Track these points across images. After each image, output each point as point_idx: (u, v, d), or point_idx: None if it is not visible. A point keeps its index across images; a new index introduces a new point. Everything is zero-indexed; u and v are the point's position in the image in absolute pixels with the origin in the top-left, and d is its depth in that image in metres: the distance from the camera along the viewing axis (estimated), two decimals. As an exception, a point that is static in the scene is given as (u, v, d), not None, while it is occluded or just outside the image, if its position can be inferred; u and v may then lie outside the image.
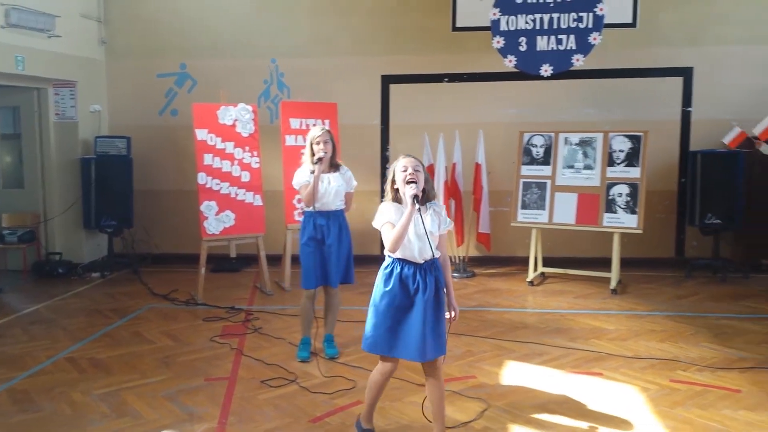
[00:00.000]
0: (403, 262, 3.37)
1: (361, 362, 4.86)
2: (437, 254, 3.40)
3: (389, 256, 3.42)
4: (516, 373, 4.63)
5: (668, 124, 7.62)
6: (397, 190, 3.38)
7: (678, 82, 7.60)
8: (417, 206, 3.24)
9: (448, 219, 3.49)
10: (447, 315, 3.47)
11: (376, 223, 3.42)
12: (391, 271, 3.39)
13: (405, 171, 3.33)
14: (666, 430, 3.83)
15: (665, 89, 7.62)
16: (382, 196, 8.04)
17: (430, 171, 7.43)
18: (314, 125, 6.90)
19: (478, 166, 7.48)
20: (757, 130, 6.76)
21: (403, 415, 4.04)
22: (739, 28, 7.51)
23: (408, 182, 3.29)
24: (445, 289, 3.45)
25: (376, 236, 8.11)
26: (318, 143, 4.71)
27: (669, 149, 7.64)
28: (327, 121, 7.01)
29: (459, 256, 7.52)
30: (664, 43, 7.58)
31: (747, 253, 7.39)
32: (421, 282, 3.35)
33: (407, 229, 3.26)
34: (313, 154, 4.72)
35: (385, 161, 8.02)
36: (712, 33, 7.55)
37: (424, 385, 4.42)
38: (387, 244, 3.33)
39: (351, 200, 4.98)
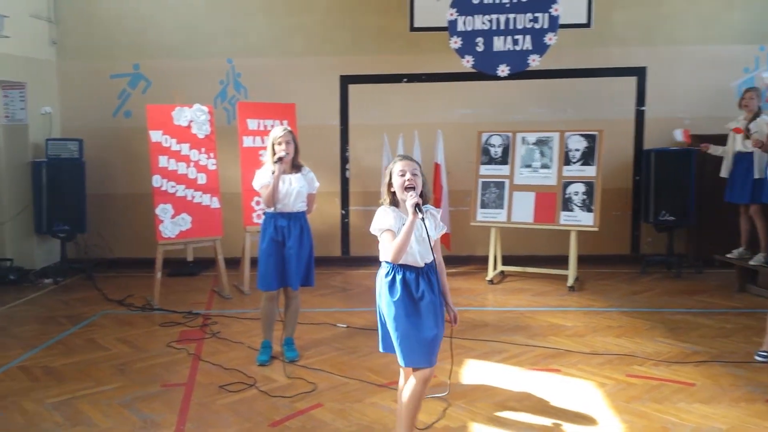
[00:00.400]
0: (404, 267, 3.24)
1: (321, 365, 4.83)
2: (433, 257, 3.31)
3: (388, 263, 3.28)
4: (476, 372, 4.65)
5: (622, 123, 7.76)
6: (394, 193, 3.25)
7: (632, 81, 7.75)
8: (420, 215, 3.10)
9: (442, 223, 3.40)
10: (447, 318, 3.37)
11: (375, 231, 3.27)
12: (393, 279, 3.24)
13: (403, 176, 3.19)
14: (623, 424, 3.89)
15: (619, 89, 7.76)
16: (344, 198, 8.05)
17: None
18: (272, 126, 6.83)
19: (437, 166, 7.50)
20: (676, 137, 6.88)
21: (364, 416, 4.02)
22: (691, 29, 7.69)
23: (406, 188, 3.17)
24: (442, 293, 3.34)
25: (337, 238, 8.10)
26: (280, 143, 4.66)
27: (623, 148, 7.78)
28: (285, 122, 6.95)
29: (419, 256, 7.53)
30: (618, 43, 7.71)
31: (700, 249, 7.56)
32: (426, 286, 3.25)
33: (409, 240, 3.13)
34: (274, 154, 4.67)
35: (345, 162, 8.00)
36: (664, 33, 7.71)
37: (385, 386, 4.43)
38: (389, 254, 3.18)
39: (313, 202, 4.94)
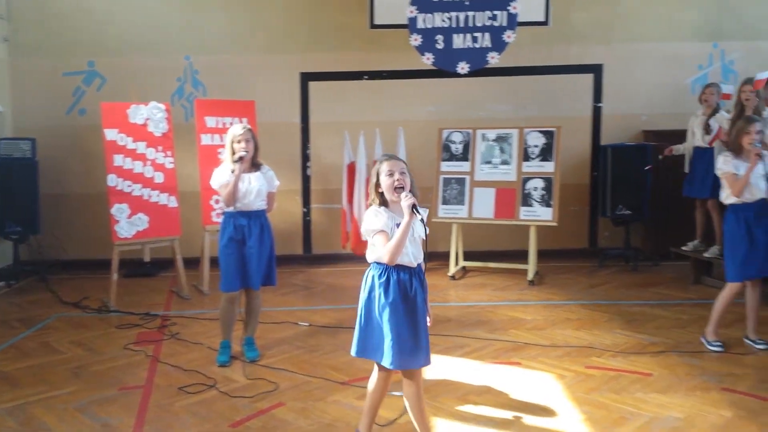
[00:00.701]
0: (398, 268, 3.20)
1: (283, 364, 4.79)
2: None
3: (379, 264, 3.24)
4: (438, 367, 4.66)
5: (580, 119, 7.87)
6: (382, 193, 3.21)
7: (589, 78, 7.86)
8: (419, 216, 3.07)
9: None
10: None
11: (367, 232, 3.22)
12: (388, 280, 3.20)
13: (391, 176, 3.16)
14: (582, 414, 3.94)
15: (577, 86, 7.87)
16: (305, 196, 7.99)
17: (351, 169, 7.41)
18: (231, 123, 6.76)
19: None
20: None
21: (326, 414, 3.99)
22: (647, 27, 7.83)
23: (396, 188, 3.14)
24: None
25: (299, 236, 8.05)
26: (239, 141, 4.60)
27: (581, 144, 7.89)
28: (245, 119, 6.87)
29: (381, 254, 7.53)
30: (576, 41, 7.82)
31: (656, 242, 7.70)
32: (418, 285, 3.24)
33: (405, 240, 3.09)
34: (233, 153, 4.61)
35: (306, 160, 7.95)
36: (621, 31, 7.84)
37: (347, 383, 4.41)
38: (384, 256, 3.13)
39: (273, 200, 4.90)
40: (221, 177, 4.66)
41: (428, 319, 3.32)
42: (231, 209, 4.67)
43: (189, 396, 4.26)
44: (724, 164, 4.83)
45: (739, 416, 3.87)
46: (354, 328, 3.42)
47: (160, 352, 5.06)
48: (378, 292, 3.23)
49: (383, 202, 3.23)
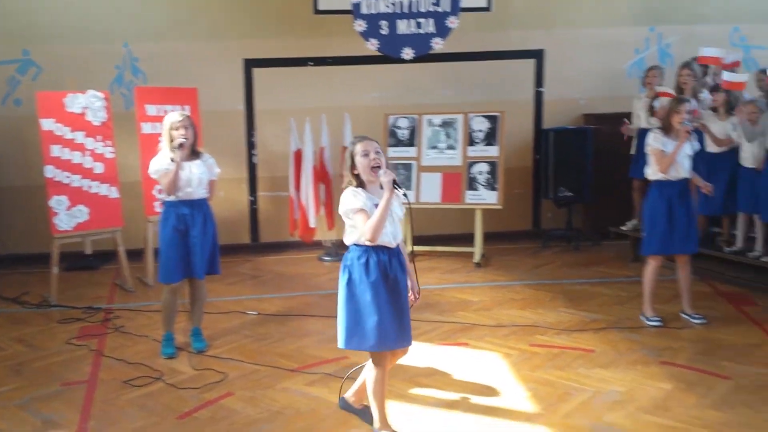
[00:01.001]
0: (378, 248, 3.22)
1: (231, 353, 4.77)
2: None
3: (358, 246, 3.25)
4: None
5: (522, 104, 7.98)
6: (358, 175, 3.23)
7: (531, 63, 7.96)
8: (401, 191, 3.13)
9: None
10: (411, 297, 3.41)
11: (346, 212, 3.22)
12: (367, 260, 3.21)
13: (367, 156, 3.19)
14: (527, 392, 4.04)
15: (519, 71, 7.96)
16: (251, 184, 7.89)
17: (297, 156, 7.37)
18: (181, 111, 6.64)
19: (345, 150, 7.47)
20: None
21: (275, 402, 4.00)
22: (586, 12, 7.96)
23: (373, 168, 3.17)
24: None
25: (246, 224, 7.96)
26: (177, 129, 4.52)
27: (524, 128, 8.00)
28: (187, 107, 6.75)
29: (331, 240, 7.53)
30: (517, 26, 7.90)
31: (596, 222, 7.89)
32: (399, 266, 3.28)
33: (387, 216, 3.13)
34: (171, 141, 4.53)
35: (251, 147, 7.85)
36: (561, 16, 7.95)
37: (296, 370, 4.42)
38: (366, 233, 3.13)
39: (214, 188, 4.84)
40: (160, 165, 4.58)
41: (411, 295, 3.38)
42: (171, 199, 4.60)
43: (135, 389, 4.20)
44: (654, 141, 4.99)
45: (678, 388, 4.03)
46: (329, 317, 3.58)
47: (104, 346, 4.97)
48: (358, 273, 3.22)
49: (359, 184, 3.24)
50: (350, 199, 3.20)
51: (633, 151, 7.04)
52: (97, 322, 5.53)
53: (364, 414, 3.62)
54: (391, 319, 3.23)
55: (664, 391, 4.00)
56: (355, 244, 3.28)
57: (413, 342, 3.51)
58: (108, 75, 7.53)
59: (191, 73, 7.48)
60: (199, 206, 4.69)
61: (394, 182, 3.12)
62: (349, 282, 3.28)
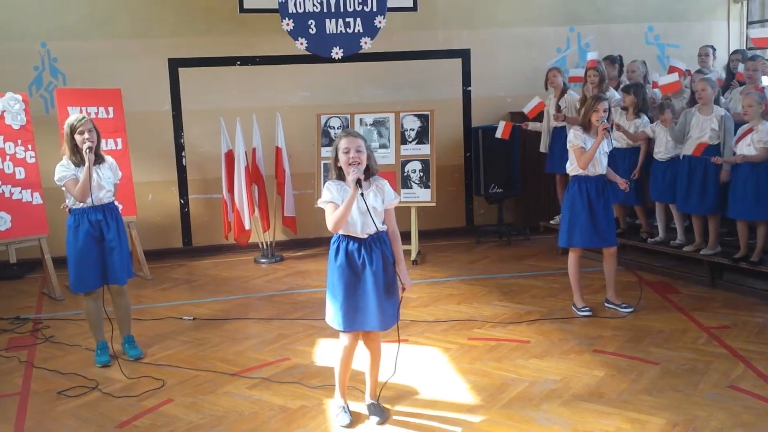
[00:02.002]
0: (348, 238, 3.48)
1: (168, 360, 4.67)
2: (382, 228, 3.52)
3: (336, 234, 3.52)
4: (329, 351, 4.71)
5: (452, 102, 8.11)
6: (341, 168, 3.44)
7: (458, 63, 8.11)
8: (360, 190, 3.33)
9: (394, 193, 3.58)
10: (400, 288, 3.57)
11: (320, 202, 3.50)
12: (338, 247, 3.50)
13: (347, 153, 3.39)
14: (467, 384, 4.14)
15: (447, 70, 8.09)
16: (182, 187, 7.70)
17: (229, 157, 7.27)
18: (96, 114, 6.46)
19: (278, 150, 7.44)
20: (526, 109, 7.40)
21: (217, 406, 3.95)
22: (509, 12, 8.16)
23: (350, 164, 3.36)
24: (394, 263, 3.54)
25: (177, 228, 7.79)
26: (82, 132, 4.36)
27: (454, 126, 8.14)
28: (111, 108, 6.57)
29: (266, 242, 7.46)
30: (443, 26, 8.03)
31: (526, 217, 8.12)
32: (367, 256, 3.46)
33: (349, 212, 3.37)
34: (75, 145, 4.38)
35: (180, 149, 7.69)
36: (484, 16, 8.13)
37: (237, 374, 4.38)
38: (329, 223, 3.43)
39: (116, 191, 4.75)
40: (66, 171, 4.44)
41: (401, 286, 3.55)
42: (81, 205, 4.46)
43: (70, 400, 4.07)
44: (575, 138, 5.19)
45: (610, 375, 4.20)
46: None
47: (34, 357, 4.79)
48: (331, 257, 3.54)
49: (341, 177, 3.47)
50: (324, 191, 3.50)
51: (543, 148, 7.33)
52: (25, 333, 5.32)
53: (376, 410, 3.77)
54: (347, 302, 3.49)
55: (597, 378, 4.16)
56: (334, 233, 3.56)
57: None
58: (26, 76, 7.24)
59: (113, 73, 7.27)
60: (111, 210, 4.59)
61: (358, 182, 3.33)
62: (329, 263, 3.59)
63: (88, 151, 4.34)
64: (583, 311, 5.31)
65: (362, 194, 3.38)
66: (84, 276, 4.51)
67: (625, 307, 5.34)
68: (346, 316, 3.51)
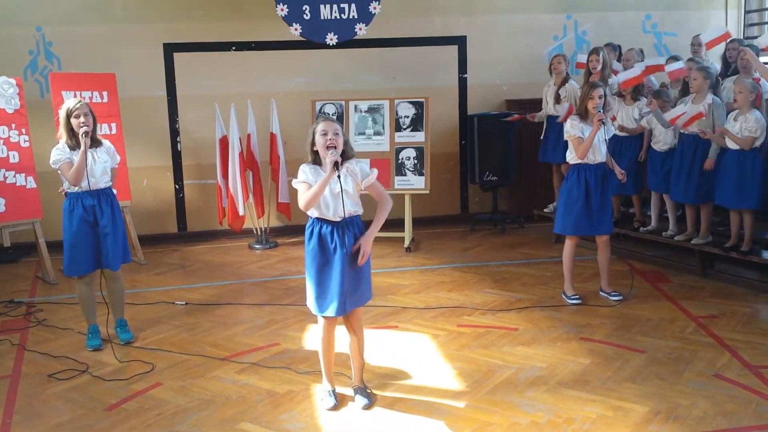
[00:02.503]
0: (321, 221, 3.55)
1: (159, 344, 4.71)
2: (359, 211, 3.61)
3: (310, 216, 3.59)
4: (318, 336, 4.73)
5: (447, 89, 8.10)
6: (317, 152, 3.50)
7: (454, 50, 8.09)
8: (337, 173, 3.40)
9: (367, 169, 3.64)
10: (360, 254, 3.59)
11: (294, 182, 3.56)
12: (312, 230, 3.58)
13: (325, 135, 3.45)
14: (454, 370, 4.17)
15: (443, 57, 8.07)
16: (177, 172, 7.70)
17: (223, 143, 7.28)
18: (91, 98, 6.46)
19: (273, 136, 7.44)
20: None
21: (205, 390, 3.99)
22: (506, -1, 8.15)
23: (328, 147, 3.42)
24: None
25: (172, 213, 7.82)
26: (78, 116, 4.39)
27: (449, 113, 8.13)
28: (105, 93, 6.57)
29: (260, 228, 7.48)
30: (440, 13, 8.00)
31: (521, 205, 8.13)
32: (339, 239, 3.53)
33: (322, 192, 3.45)
34: (71, 129, 4.40)
35: (175, 135, 7.69)
36: (482, 3, 8.09)
37: (226, 359, 4.41)
38: (301, 203, 3.51)
39: (116, 176, 4.77)
40: (60, 155, 4.47)
41: (362, 251, 3.58)
42: (76, 189, 4.49)
43: (60, 383, 4.11)
44: (572, 128, 5.18)
45: (595, 362, 4.23)
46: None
47: (26, 340, 4.83)
48: (306, 241, 3.61)
49: (316, 161, 3.53)
50: (299, 173, 3.55)
51: (542, 136, 7.30)
52: (18, 316, 5.36)
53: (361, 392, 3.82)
54: (319, 286, 3.58)
55: (582, 365, 4.19)
56: (308, 215, 3.62)
57: (343, 326, 3.65)
58: (21, 60, 7.24)
59: (108, 58, 7.27)
60: (106, 195, 4.60)
61: (336, 164, 3.39)
62: (305, 248, 3.65)
63: (84, 135, 4.36)
64: (572, 299, 5.33)
65: (339, 177, 3.43)
66: (77, 260, 4.54)
67: (615, 296, 5.37)
68: (318, 299, 3.59)
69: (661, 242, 6.27)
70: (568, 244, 5.36)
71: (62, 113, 4.46)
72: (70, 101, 4.50)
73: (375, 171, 3.69)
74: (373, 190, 3.68)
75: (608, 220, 5.29)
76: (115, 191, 4.74)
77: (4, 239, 6.15)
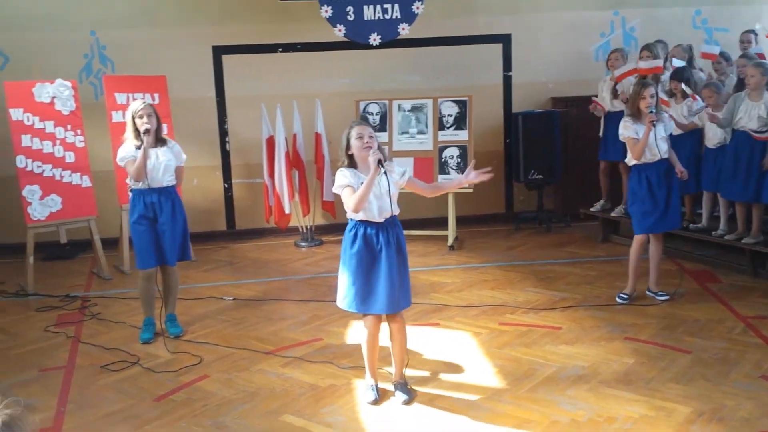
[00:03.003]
0: (365, 223, 3.60)
1: (207, 338, 4.84)
2: (396, 211, 3.64)
3: (351, 220, 3.64)
4: (361, 333, 4.80)
5: (492, 88, 8.07)
6: (351, 156, 3.59)
7: (498, 48, 8.06)
8: (382, 169, 3.48)
9: (403, 169, 3.73)
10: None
11: (336, 189, 3.63)
12: (356, 233, 3.61)
13: (361, 138, 3.55)
14: (494, 368, 4.18)
15: (487, 55, 8.05)
16: (226, 172, 7.87)
17: (270, 143, 7.41)
18: (143, 99, 6.64)
19: (318, 136, 7.55)
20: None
21: (250, 383, 4.09)
22: (551, -4, 8.08)
23: (365, 148, 3.52)
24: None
25: (221, 212, 8.00)
26: (141, 116, 4.57)
27: (494, 112, 8.10)
28: (156, 95, 6.76)
29: (306, 226, 7.60)
30: (484, 11, 7.98)
31: (567, 204, 8.04)
32: (384, 240, 3.59)
33: (369, 192, 3.48)
34: (136, 129, 4.58)
35: (224, 135, 7.87)
36: (527, 1, 8.04)
37: (271, 353, 4.51)
38: (350, 205, 3.53)
39: (182, 175, 4.91)
40: (126, 152, 4.65)
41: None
42: (140, 186, 4.65)
43: (112, 374, 4.27)
44: (625, 129, 5.10)
45: (639, 362, 4.18)
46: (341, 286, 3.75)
47: (81, 333, 5.02)
48: (347, 244, 3.65)
49: (351, 164, 3.61)
50: (339, 177, 3.61)
51: (601, 133, 7.17)
52: (74, 310, 5.56)
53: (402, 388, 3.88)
54: (363, 285, 3.61)
55: (626, 365, 4.15)
56: (349, 218, 3.66)
57: (386, 323, 3.70)
58: (76, 64, 7.50)
59: (159, 60, 7.47)
60: (167, 193, 4.75)
61: (379, 162, 3.46)
62: (343, 251, 3.69)
63: (145, 133, 4.53)
64: (621, 297, 5.26)
65: (386, 173, 3.51)
66: (141, 254, 4.73)
67: (662, 296, 5.28)
68: (358, 298, 3.63)
69: (712, 241, 6.14)
70: (636, 242, 5.25)
71: (128, 114, 4.65)
72: (135, 103, 4.70)
73: (407, 170, 3.77)
74: (413, 185, 3.78)
75: (677, 215, 5.23)
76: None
77: (61, 236, 6.40)
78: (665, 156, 5.08)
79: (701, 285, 5.62)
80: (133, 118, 4.60)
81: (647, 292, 5.37)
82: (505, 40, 8.03)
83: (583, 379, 3.97)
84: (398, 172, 3.68)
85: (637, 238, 5.26)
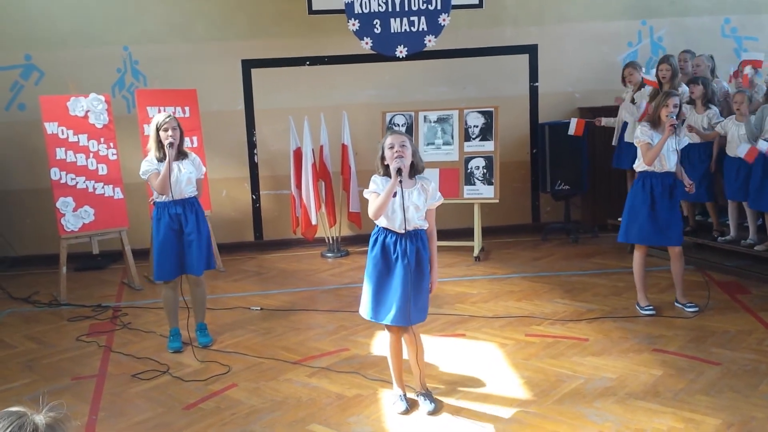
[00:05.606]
0: (387, 231, 3.66)
1: (235, 347, 4.90)
2: (424, 226, 3.68)
3: (377, 225, 3.71)
4: (387, 343, 4.82)
5: (518, 99, 8.07)
6: (387, 165, 3.63)
7: (524, 59, 8.06)
8: (399, 178, 3.52)
9: (439, 194, 3.74)
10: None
11: (365, 192, 3.71)
12: (376, 239, 3.69)
13: (392, 148, 3.58)
14: (521, 379, 4.17)
15: (513, 66, 8.06)
16: (254, 183, 7.96)
17: (297, 154, 7.50)
18: (174, 113, 6.77)
19: (344, 147, 7.61)
20: (570, 132, 7.12)
21: (277, 392, 4.13)
22: (578, 6, 8.05)
23: (395, 158, 3.55)
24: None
25: (249, 223, 8.11)
26: (166, 129, 4.64)
27: (520, 122, 8.10)
28: (187, 108, 6.89)
29: (332, 237, 7.66)
30: (510, 22, 8.00)
31: (595, 214, 8.00)
32: (401, 251, 3.61)
33: (389, 199, 3.54)
34: (159, 142, 4.66)
35: (252, 147, 7.98)
36: (553, 12, 8.05)
37: (299, 362, 4.56)
38: (370, 211, 3.63)
39: (202, 186, 5.02)
40: (149, 166, 4.74)
41: (431, 285, 3.74)
42: (164, 199, 4.74)
43: (142, 382, 4.35)
44: (641, 134, 5.10)
45: (668, 374, 4.14)
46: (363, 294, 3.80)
47: (112, 342, 5.12)
48: (369, 248, 3.71)
49: (386, 173, 3.66)
50: (370, 183, 3.69)
51: (614, 142, 7.20)
52: (105, 320, 5.68)
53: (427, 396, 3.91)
54: (376, 294, 3.67)
55: (654, 377, 4.12)
56: (375, 224, 3.73)
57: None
58: (109, 78, 7.68)
59: (190, 74, 7.62)
60: (191, 204, 4.84)
61: (399, 171, 3.52)
62: (368, 256, 3.75)
63: (169, 147, 4.61)
64: (646, 310, 5.23)
65: (401, 182, 3.54)
66: (164, 266, 4.80)
67: (691, 307, 5.23)
68: (375, 307, 3.68)
69: (741, 252, 6.06)
70: (637, 255, 5.28)
71: (152, 127, 4.74)
72: (159, 115, 4.76)
73: (441, 199, 3.78)
74: (431, 216, 3.77)
75: (677, 231, 5.16)
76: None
77: (93, 247, 6.54)
78: (673, 169, 5.06)
79: (731, 296, 5.55)
80: (158, 131, 4.68)
81: (675, 304, 5.32)
82: (531, 50, 8.04)
83: (610, 391, 3.95)
84: (432, 193, 3.69)
85: (638, 249, 5.28)
